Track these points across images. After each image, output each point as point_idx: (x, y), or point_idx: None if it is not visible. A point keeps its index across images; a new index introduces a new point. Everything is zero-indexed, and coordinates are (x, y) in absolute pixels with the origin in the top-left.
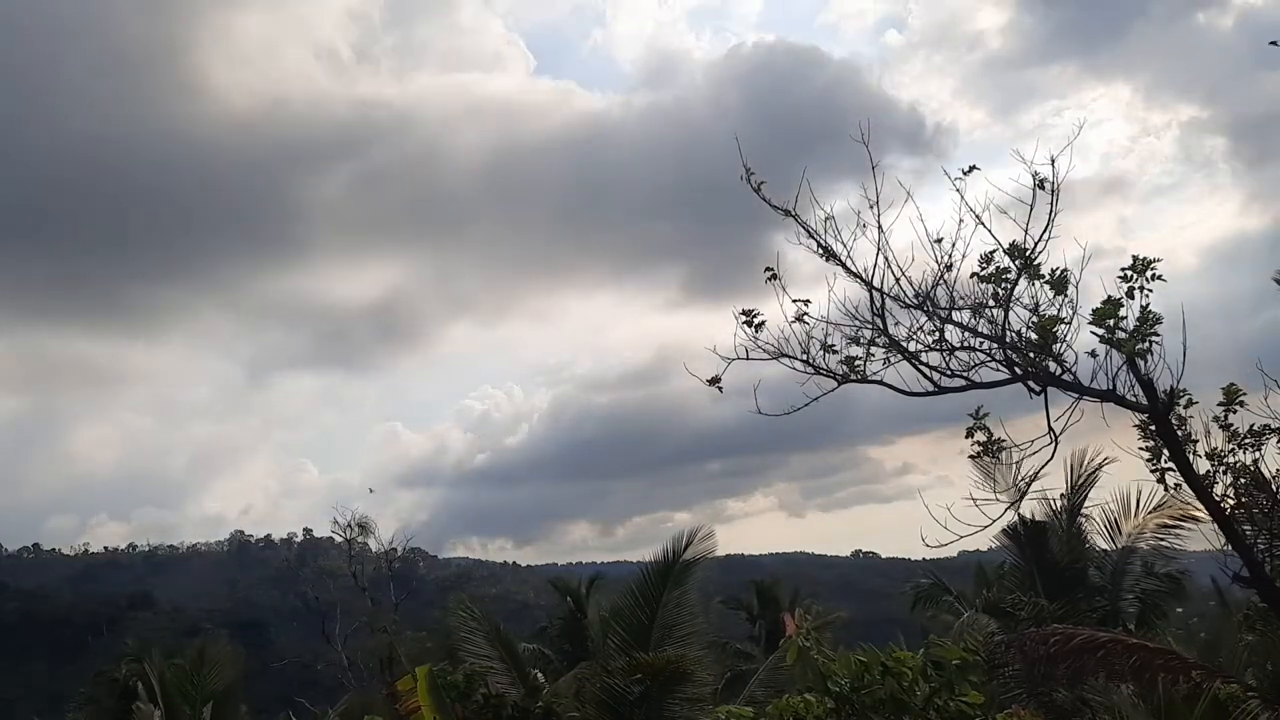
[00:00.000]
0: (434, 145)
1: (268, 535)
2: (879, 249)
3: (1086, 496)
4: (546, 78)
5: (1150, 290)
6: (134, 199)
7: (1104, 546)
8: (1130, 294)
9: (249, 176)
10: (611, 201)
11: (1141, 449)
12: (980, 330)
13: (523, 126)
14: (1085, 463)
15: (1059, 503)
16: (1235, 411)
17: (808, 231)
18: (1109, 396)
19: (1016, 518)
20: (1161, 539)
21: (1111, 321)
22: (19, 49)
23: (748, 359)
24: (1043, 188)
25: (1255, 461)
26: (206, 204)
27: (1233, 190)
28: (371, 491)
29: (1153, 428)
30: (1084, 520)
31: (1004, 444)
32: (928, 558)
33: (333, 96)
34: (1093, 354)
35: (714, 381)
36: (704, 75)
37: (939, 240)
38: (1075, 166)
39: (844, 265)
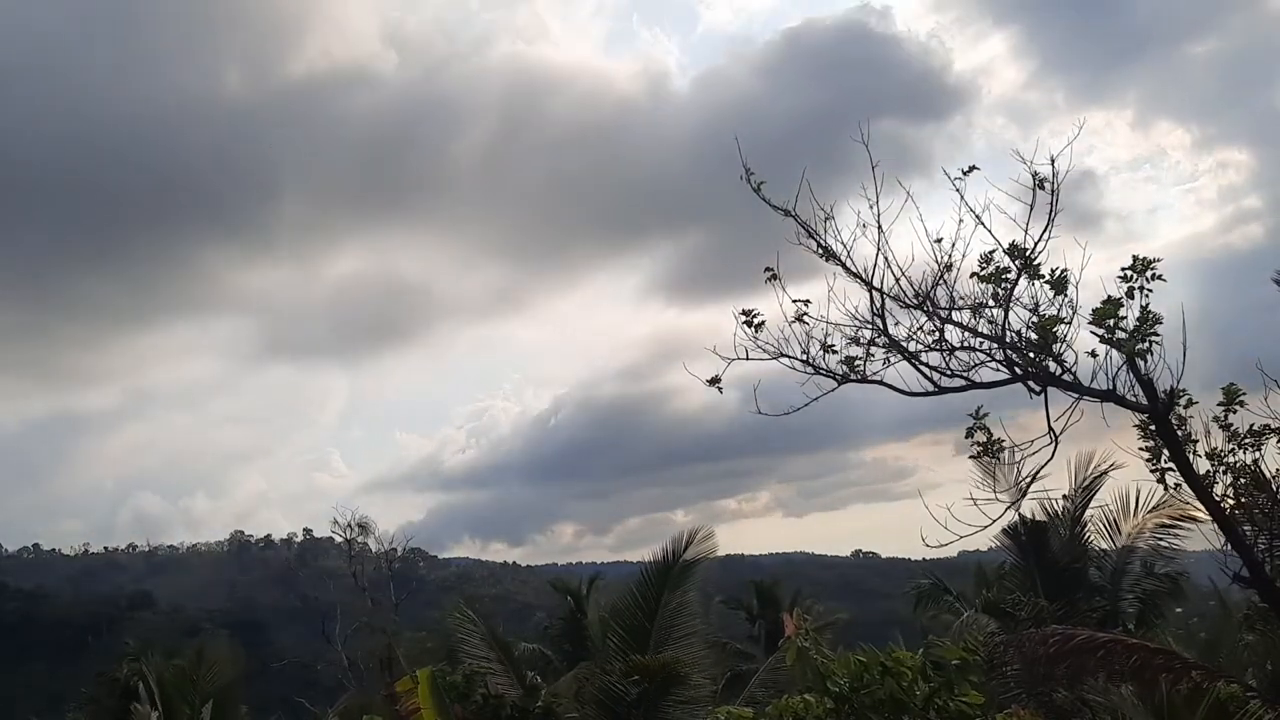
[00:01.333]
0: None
1: (268, 535)
2: (879, 249)
3: (1090, 499)
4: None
5: (1150, 290)
6: (117, 180)
7: (1104, 546)
8: (1130, 294)
9: (239, 158)
10: (628, 188)
11: (1141, 449)
12: (980, 330)
13: (542, 103)
14: (1090, 466)
15: (1060, 503)
16: (1235, 411)
17: (808, 231)
18: (1109, 396)
19: (1017, 518)
20: (1160, 539)
21: (1111, 321)
22: None
23: (748, 359)
24: (1043, 188)
25: (1255, 461)
26: (190, 184)
27: (1218, 209)
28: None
29: (1153, 428)
30: (1085, 521)
31: (1004, 444)
32: (928, 558)
33: (339, 69)
34: (1093, 354)
35: (714, 381)
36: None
37: (939, 240)
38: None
39: (844, 265)
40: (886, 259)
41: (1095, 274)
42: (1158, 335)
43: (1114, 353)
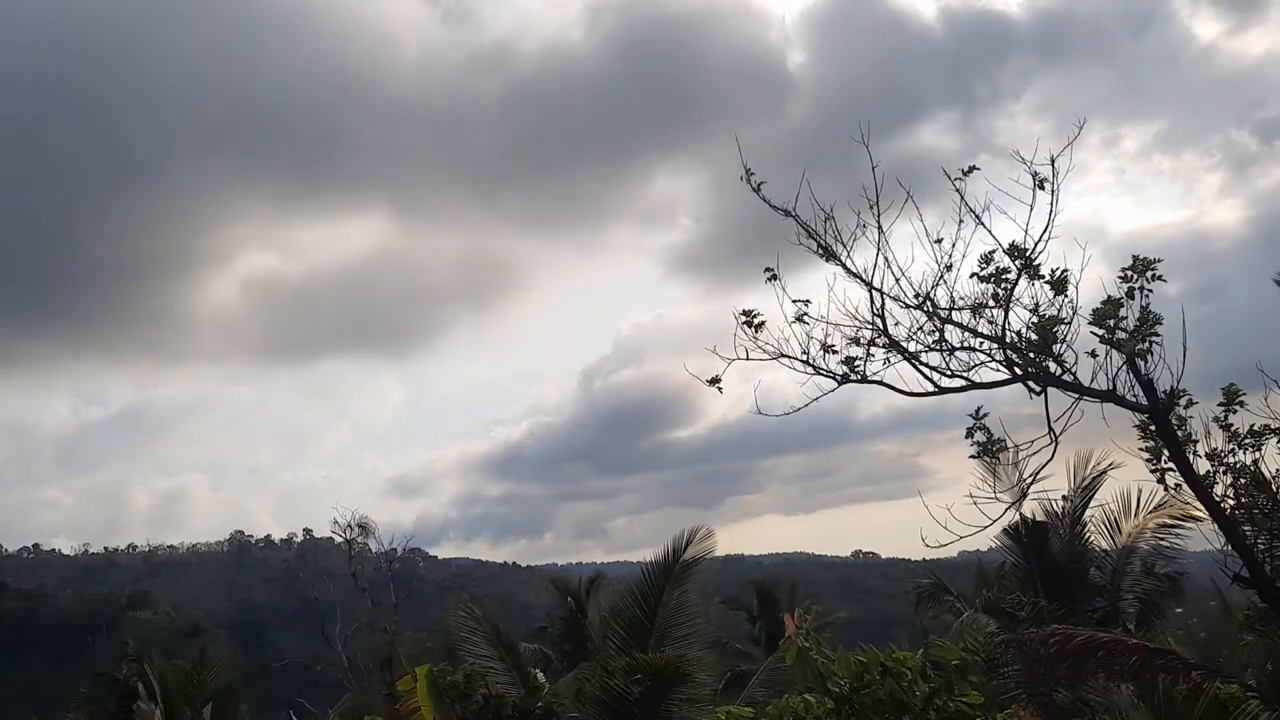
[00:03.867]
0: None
1: (268, 535)
2: (879, 249)
3: (1091, 499)
4: None
5: (1150, 290)
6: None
7: (1104, 546)
8: (1130, 294)
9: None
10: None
11: (1142, 449)
12: (980, 330)
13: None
14: (1090, 466)
15: (1060, 503)
16: (1235, 412)
17: (807, 231)
18: (1109, 397)
19: (1018, 518)
20: (1162, 539)
21: (1111, 322)
22: None
23: (748, 359)
24: (1043, 188)
25: (1255, 462)
26: None
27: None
28: None
29: (1153, 428)
30: (1086, 521)
31: (1004, 444)
32: (928, 558)
33: None
34: (1093, 354)
35: (714, 382)
36: None
37: (939, 240)
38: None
39: (844, 265)
40: (887, 259)
41: (1094, 275)
42: (1158, 335)
43: (1114, 353)
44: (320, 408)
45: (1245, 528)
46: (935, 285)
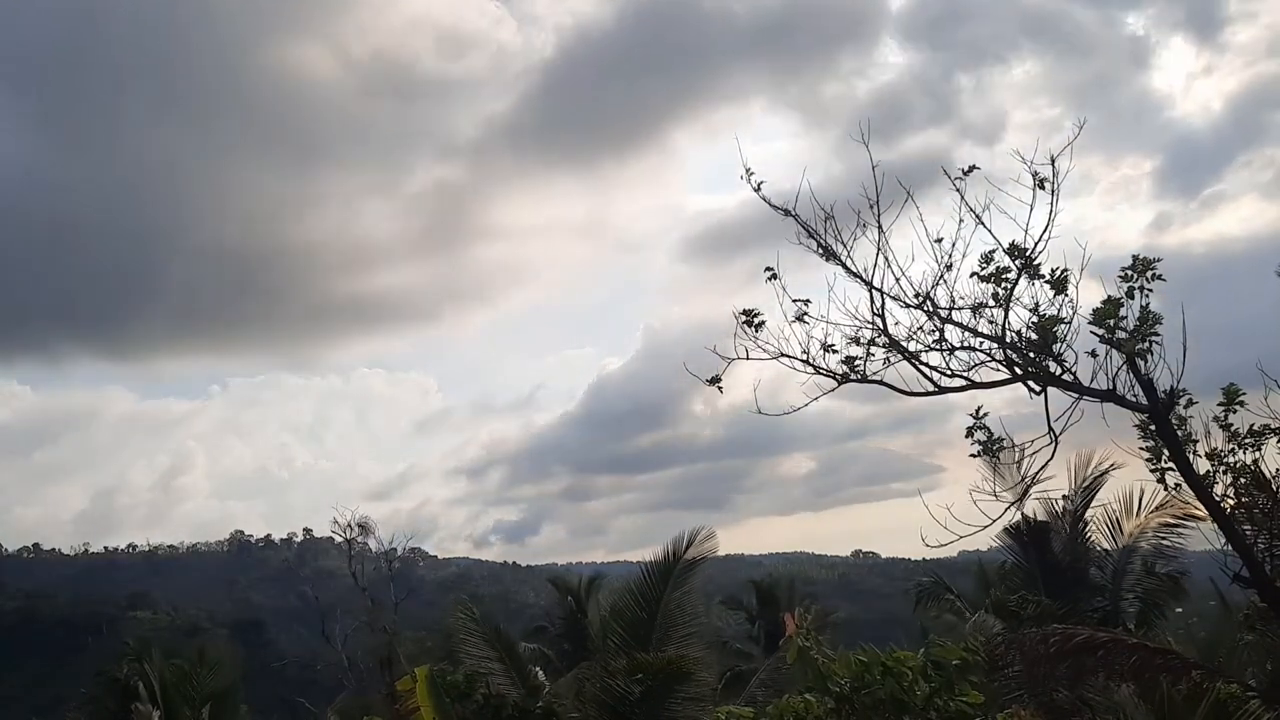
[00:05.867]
0: None
1: (268, 535)
2: (879, 249)
3: (1092, 499)
4: None
5: (1150, 290)
6: None
7: (1105, 546)
8: (1130, 294)
9: None
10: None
11: (1142, 449)
12: (980, 330)
13: None
14: (1091, 466)
15: (1060, 503)
16: (1235, 411)
17: (808, 231)
18: (1109, 396)
19: (1019, 517)
20: (1163, 539)
21: (1111, 321)
22: None
23: (748, 359)
24: (1043, 188)
25: (1255, 461)
26: None
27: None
28: None
29: (1153, 428)
30: (1087, 521)
31: (1004, 443)
32: (928, 557)
33: None
34: (1093, 354)
35: (714, 381)
36: None
37: (939, 240)
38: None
39: (844, 265)
40: (887, 259)
41: (1092, 275)
42: (1158, 335)
43: (1114, 353)
44: (321, 405)
45: (1245, 527)
46: (935, 285)
